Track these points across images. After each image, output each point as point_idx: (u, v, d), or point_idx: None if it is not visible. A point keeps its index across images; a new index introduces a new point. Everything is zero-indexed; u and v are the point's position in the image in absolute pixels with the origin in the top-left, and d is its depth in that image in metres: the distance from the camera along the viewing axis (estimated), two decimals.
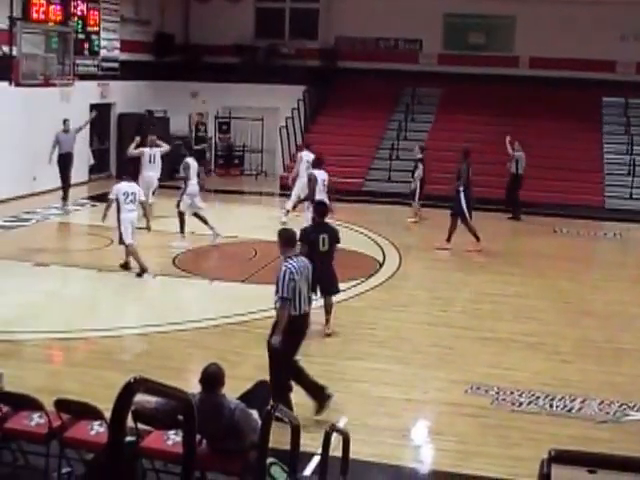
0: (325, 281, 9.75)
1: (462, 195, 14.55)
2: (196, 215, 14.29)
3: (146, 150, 15.80)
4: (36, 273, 12.50)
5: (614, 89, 22.32)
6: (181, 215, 14.18)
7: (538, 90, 22.16)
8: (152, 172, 15.83)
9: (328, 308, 10.01)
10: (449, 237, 14.76)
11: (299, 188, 15.94)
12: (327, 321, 10.02)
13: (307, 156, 15.93)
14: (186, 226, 14.25)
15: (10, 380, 6.73)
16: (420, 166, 16.95)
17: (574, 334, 10.54)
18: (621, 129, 21.91)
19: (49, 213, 16.79)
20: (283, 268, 7.33)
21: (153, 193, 15.94)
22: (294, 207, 16.08)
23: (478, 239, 14.74)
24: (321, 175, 13.91)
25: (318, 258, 9.24)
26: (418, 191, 17.00)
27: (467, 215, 14.59)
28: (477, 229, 14.75)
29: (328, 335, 9.95)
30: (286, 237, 7.52)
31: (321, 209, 10.16)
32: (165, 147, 16.29)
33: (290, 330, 7.29)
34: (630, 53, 22.47)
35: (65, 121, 17.98)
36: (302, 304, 7.40)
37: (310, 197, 13.70)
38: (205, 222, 14.26)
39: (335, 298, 10.19)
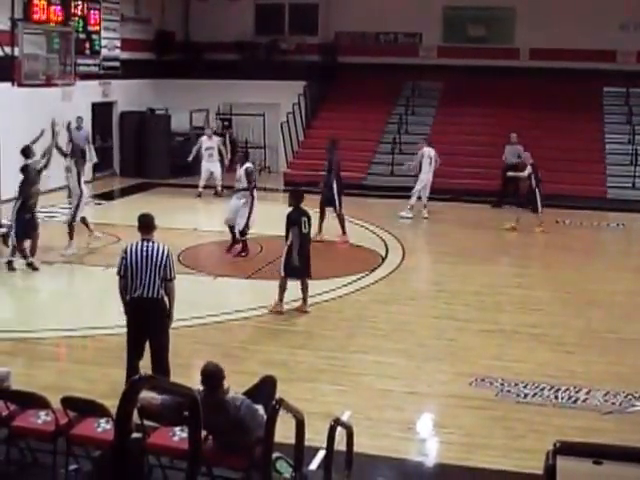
0: (307, 262, 10.44)
1: (334, 186, 14.70)
2: (82, 219, 13.69)
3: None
4: (42, 271, 12.53)
5: (615, 79, 22.25)
6: (71, 227, 13.49)
7: (539, 81, 22.12)
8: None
9: (304, 287, 10.57)
10: (320, 228, 14.67)
11: (421, 184, 16.96)
12: (305, 300, 10.59)
13: (429, 152, 16.92)
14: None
15: (17, 378, 6.75)
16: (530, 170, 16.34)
17: (578, 325, 10.54)
18: (623, 119, 21.83)
19: (54, 211, 16.78)
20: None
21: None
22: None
23: (344, 232, 14.83)
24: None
25: (303, 240, 10.27)
26: (538, 196, 16.30)
27: (338, 205, 14.72)
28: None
29: (305, 312, 10.47)
30: (141, 222, 7.81)
31: (297, 195, 10.69)
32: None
33: (127, 310, 7.68)
34: (630, 42, 22.42)
35: (78, 118, 17.91)
36: (135, 287, 7.50)
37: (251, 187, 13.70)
38: (87, 226, 13.79)
39: (339, 291, 10.33)
